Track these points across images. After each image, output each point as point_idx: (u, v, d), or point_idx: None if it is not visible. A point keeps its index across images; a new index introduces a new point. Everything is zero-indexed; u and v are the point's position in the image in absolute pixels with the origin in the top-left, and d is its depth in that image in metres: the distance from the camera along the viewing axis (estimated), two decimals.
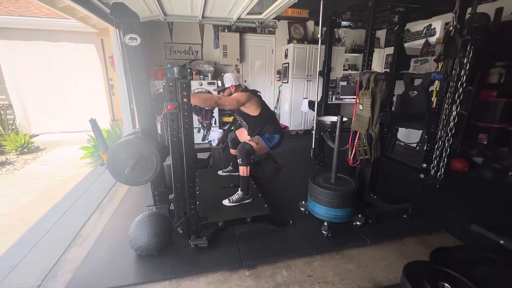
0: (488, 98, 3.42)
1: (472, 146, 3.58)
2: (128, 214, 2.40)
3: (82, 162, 3.75)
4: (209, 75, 4.77)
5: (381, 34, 5.95)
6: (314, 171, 3.51)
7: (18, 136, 4.32)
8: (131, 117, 3.64)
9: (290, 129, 5.60)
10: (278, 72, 5.68)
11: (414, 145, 3.75)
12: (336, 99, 5.77)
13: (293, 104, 5.42)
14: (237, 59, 5.15)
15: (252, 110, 2.38)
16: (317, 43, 5.37)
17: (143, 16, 3.22)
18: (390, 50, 5.71)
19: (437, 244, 1.96)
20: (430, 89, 2.41)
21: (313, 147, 3.51)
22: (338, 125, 1.96)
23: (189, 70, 4.68)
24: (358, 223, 2.14)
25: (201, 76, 4.74)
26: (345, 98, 5.87)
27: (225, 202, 2.23)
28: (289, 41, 5.35)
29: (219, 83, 2.57)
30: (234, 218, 2.05)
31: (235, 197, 2.24)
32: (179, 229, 1.88)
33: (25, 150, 4.36)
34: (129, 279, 1.64)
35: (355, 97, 6.34)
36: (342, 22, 5.04)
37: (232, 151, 2.81)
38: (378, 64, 5.97)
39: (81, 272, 1.70)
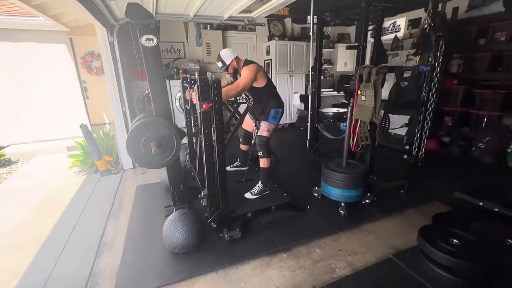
0: (450, 86, 3.97)
1: (440, 128, 4.12)
2: (147, 217, 2.38)
3: (71, 171, 3.51)
4: (196, 73, 4.70)
5: (351, 30, 6.42)
6: (311, 161, 3.78)
7: None
8: (124, 120, 3.52)
9: None
10: None
11: (396, 130, 4.19)
12: None
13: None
14: None
15: (260, 82, 2.36)
16: (296, 40, 5.65)
17: None
18: None
19: (433, 211, 2.31)
20: None
21: (308, 138, 3.75)
22: (348, 114, 2.18)
23: (175, 69, 4.59)
24: (367, 201, 2.41)
25: (187, 74, 4.68)
26: (323, 91, 6.23)
27: (248, 195, 2.33)
28: (270, 38, 5.51)
29: (219, 64, 2.45)
30: (261, 208, 2.17)
31: (256, 189, 2.36)
32: (212, 223, 1.95)
33: None
34: (177, 276, 1.68)
35: (331, 89, 6.70)
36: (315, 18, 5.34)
37: (243, 147, 2.88)
38: (350, 59, 6.44)
39: (123, 276, 1.69)
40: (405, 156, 3.50)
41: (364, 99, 2.37)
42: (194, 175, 2.71)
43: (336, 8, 3.45)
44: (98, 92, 5.17)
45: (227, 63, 2.40)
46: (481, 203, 2.38)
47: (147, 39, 1.96)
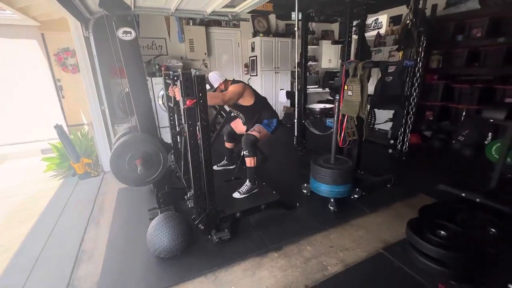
0: (431, 81, 4.08)
1: (421, 122, 4.23)
2: (130, 221, 2.27)
3: (46, 176, 3.29)
4: (179, 70, 4.57)
5: (335, 27, 6.47)
6: (299, 157, 3.76)
7: None
8: (103, 120, 3.33)
9: None
10: (246, 66, 5.74)
11: (380, 125, 4.26)
12: None
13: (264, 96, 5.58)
14: (205, 53, 5.05)
15: (247, 100, 2.39)
16: (281, 36, 5.61)
17: None
18: None
19: (419, 204, 2.32)
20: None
21: (295, 135, 3.73)
22: (336, 110, 2.17)
23: (157, 66, 4.42)
24: (356, 196, 2.42)
25: (170, 71, 4.51)
26: (309, 88, 6.25)
27: (236, 195, 2.27)
28: (255, 34, 5.43)
29: (207, 86, 2.43)
30: (250, 207, 2.11)
31: (244, 188, 2.30)
32: (200, 225, 1.87)
33: None
34: (163, 283, 1.59)
35: (316, 86, 6.75)
36: (294, 15, 5.33)
37: (228, 145, 2.81)
38: (334, 55, 6.50)
39: (104, 286, 1.58)
40: (390, 151, 3.57)
41: (351, 94, 2.36)
42: (180, 176, 2.61)
43: (320, 4, 3.43)
44: (75, 91, 4.89)
45: (215, 86, 2.43)
46: (463, 194, 2.45)
47: (124, 32, 1.84)
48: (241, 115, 2.55)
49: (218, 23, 5.19)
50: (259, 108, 2.47)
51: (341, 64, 2.86)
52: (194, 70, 4.88)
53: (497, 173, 2.40)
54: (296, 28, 3.29)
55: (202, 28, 4.91)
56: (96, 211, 2.45)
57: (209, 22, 5.05)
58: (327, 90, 6.17)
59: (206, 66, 5.29)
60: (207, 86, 2.41)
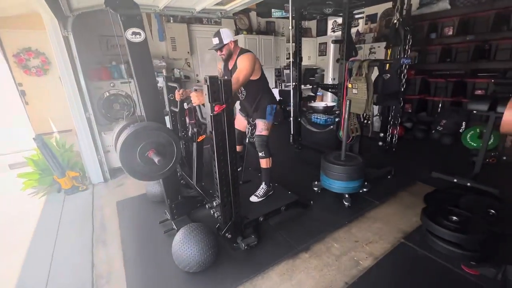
0: (409, 76, 4.38)
1: (402, 115, 4.54)
2: (143, 236, 2.11)
3: (24, 194, 2.91)
4: (164, 70, 4.34)
5: (312, 24, 6.63)
6: (296, 155, 3.82)
7: None
8: (88, 127, 3.03)
9: None
10: None
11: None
12: (284, 86, 6.17)
13: None
14: (188, 52, 4.83)
15: (256, 73, 2.17)
16: (263, 34, 5.59)
17: (91, 5, 2.65)
18: (321, 39, 6.46)
19: (419, 191, 2.54)
20: None
21: (292, 132, 3.77)
22: (347, 108, 2.23)
23: None
24: (365, 190, 2.52)
25: (156, 72, 4.25)
26: (289, 85, 6.33)
27: (253, 199, 2.23)
28: (237, 32, 5.34)
29: (216, 41, 2.19)
30: (271, 210, 2.09)
31: (260, 191, 2.26)
32: (227, 234, 1.81)
33: None
34: None
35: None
36: (274, 13, 5.33)
37: (237, 147, 2.73)
38: (313, 52, 6.67)
39: None
40: (380, 143, 3.78)
41: (356, 92, 2.44)
42: (188, 183, 2.49)
43: (313, 1, 3.46)
44: (41, 96, 4.39)
45: (225, 42, 2.13)
46: (455, 180, 2.69)
47: (134, 33, 1.69)
48: (243, 89, 2.31)
49: (199, 21, 4.99)
50: (262, 88, 2.29)
51: (340, 62, 2.95)
52: (178, 70, 4.69)
53: (481, 159, 2.66)
54: (290, 27, 3.30)
55: (183, 26, 4.68)
56: (98, 229, 2.24)
57: (190, 20, 4.84)
58: (308, 86, 6.30)
59: (189, 66, 5.07)
60: (216, 41, 2.18)
